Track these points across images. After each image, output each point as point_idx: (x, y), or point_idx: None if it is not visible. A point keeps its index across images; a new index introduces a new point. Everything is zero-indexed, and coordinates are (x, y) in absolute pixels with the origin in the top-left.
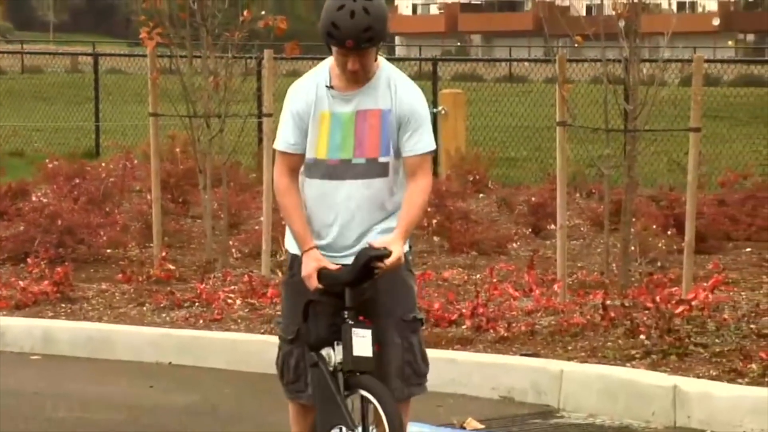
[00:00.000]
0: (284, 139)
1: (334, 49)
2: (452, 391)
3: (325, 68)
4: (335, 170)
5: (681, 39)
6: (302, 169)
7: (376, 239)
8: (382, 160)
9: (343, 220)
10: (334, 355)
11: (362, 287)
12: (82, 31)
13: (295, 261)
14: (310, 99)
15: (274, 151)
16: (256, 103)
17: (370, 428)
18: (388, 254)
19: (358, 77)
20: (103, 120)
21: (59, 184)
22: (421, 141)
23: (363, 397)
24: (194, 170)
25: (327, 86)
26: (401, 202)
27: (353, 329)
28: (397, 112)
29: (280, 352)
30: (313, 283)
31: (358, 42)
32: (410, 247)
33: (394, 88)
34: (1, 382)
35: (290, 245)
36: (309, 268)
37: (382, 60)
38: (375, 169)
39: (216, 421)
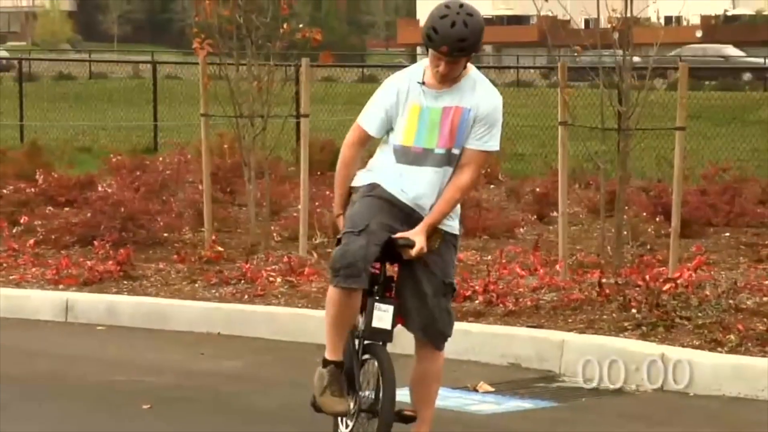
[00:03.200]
0: (369, 119)
1: (430, 51)
2: (467, 358)
3: (420, 67)
4: (417, 157)
5: (668, 49)
6: (388, 151)
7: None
8: (455, 151)
9: (416, 194)
10: (360, 321)
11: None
12: (142, 42)
13: (377, 187)
14: (402, 92)
15: (308, 134)
16: (294, 105)
17: (381, 391)
18: (412, 244)
19: (445, 80)
20: (161, 120)
21: (122, 176)
22: (487, 140)
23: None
24: (240, 164)
25: (419, 82)
26: None
27: (376, 303)
28: (477, 111)
29: (341, 245)
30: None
31: (452, 50)
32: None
33: (479, 90)
34: (70, 350)
35: (369, 177)
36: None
37: (470, 65)
38: (448, 159)
39: (257, 384)
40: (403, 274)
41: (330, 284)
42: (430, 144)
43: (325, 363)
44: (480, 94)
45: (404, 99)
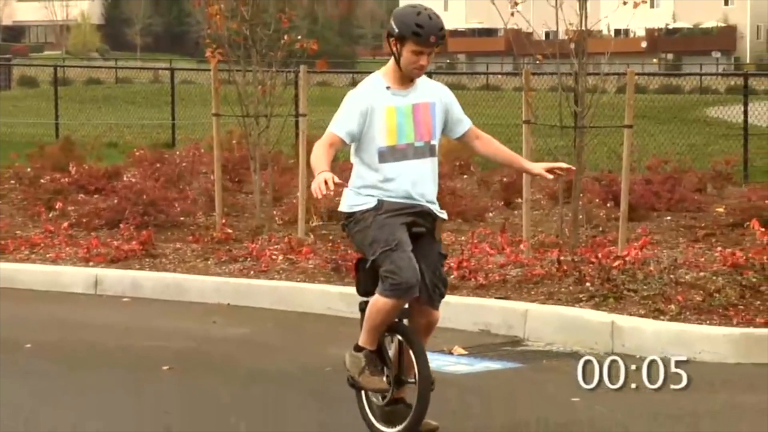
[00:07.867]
0: (345, 127)
1: (410, 49)
2: (443, 326)
3: (379, 77)
4: (404, 152)
5: (617, 57)
6: (371, 157)
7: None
8: (433, 142)
9: (411, 186)
10: None
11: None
12: (161, 51)
13: (383, 205)
14: (372, 100)
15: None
16: (293, 106)
17: (415, 358)
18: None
19: (421, 73)
20: (178, 119)
21: (144, 168)
22: (467, 118)
23: (399, 340)
24: (247, 157)
25: (386, 87)
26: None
27: None
28: (443, 103)
29: (392, 264)
30: (323, 188)
31: (438, 38)
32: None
33: (434, 87)
34: (99, 319)
35: (366, 202)
36: (327, 176)
37: None
38: (430, 150)
39: (261, 348)
40: (415, 254)
41: (382, 295)
42: (410, 138)
43: (358, 348)
44: (433, 88)
45: (377, 105)
